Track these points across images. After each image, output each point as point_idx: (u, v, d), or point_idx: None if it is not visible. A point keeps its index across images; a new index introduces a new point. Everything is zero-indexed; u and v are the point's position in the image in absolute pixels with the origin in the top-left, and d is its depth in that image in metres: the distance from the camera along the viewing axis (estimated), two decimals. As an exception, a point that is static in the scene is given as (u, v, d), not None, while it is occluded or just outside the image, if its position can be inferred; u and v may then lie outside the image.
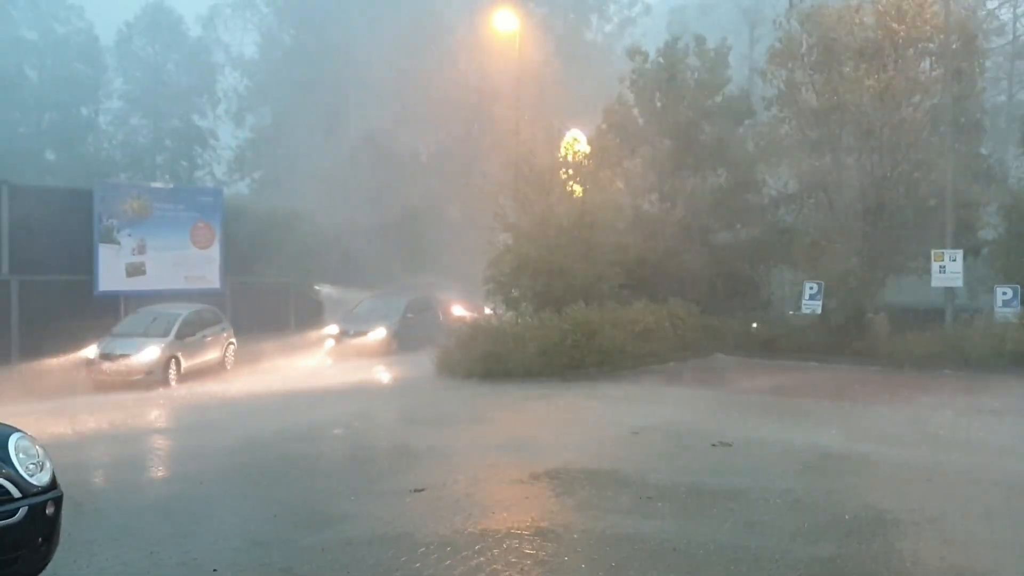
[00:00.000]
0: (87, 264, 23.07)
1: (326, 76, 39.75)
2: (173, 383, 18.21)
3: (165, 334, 18.80)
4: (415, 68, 34.28)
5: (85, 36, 47.38)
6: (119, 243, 23.67)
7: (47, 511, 5.60)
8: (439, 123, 34.70)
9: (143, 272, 23.97)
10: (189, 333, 19.32)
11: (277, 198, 36.72)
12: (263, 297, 26.96)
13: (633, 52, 24.99)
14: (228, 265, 25.67)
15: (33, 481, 5.59)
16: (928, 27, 20.78)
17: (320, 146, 38.69)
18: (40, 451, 5.87)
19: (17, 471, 5.54)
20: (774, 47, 22.81)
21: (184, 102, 47.44)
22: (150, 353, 18.24)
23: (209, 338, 20.11)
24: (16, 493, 5.44)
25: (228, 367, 20.41)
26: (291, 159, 41.38)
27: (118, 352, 18.26)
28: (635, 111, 24.38)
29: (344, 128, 37.55)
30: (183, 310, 19.87)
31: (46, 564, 5.79)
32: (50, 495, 5.67)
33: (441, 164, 33.93)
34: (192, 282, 24.76)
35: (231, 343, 21.03)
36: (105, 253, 23.40)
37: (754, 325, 22.41)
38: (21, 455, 5.67)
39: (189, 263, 24.85)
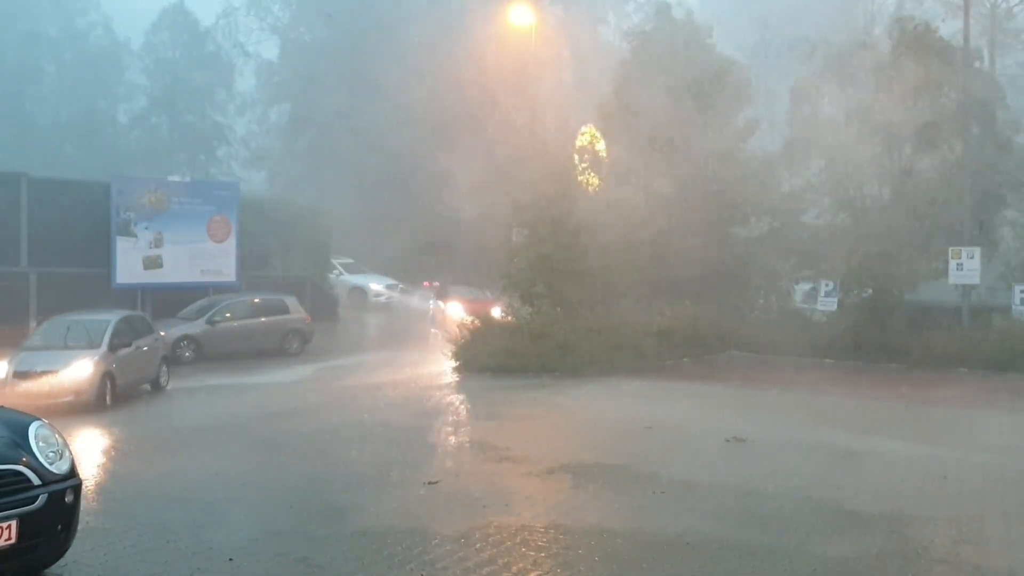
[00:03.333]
0: (104, 257, 23.22)
1: (341, 73, 39.83)
2: (107, 404, 14.46)
3: (94, 345, 14.95)
4: (429, 65, 34.28)
5: (104, 31, 47.81)
6: (136, 236, 23.80)
7: (66, 499, 5.66)
8: (453, 118, 34.71)
9: (160, 265, 24.09)
10: (123, 344, 15.52)
11: (294, 193, 36.84)
12: (279, 291, 27.01)
13: (631, 35, 25.06)
14: (244, 259, 25.78)
15: (53, 469, 5.65)
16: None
17: (336, 142, 38.81)
18: (60, 439, 5.94)
19: (37, 459, 5.61)
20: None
21: (202, 98, 47.69)
22: (81, 368, 14.30)
23: (144, 350, 16.40)
24: (36, 480, 5.50)
25: (164, 384, 16.74)
26: (308, 154, 41.53)
27: (39, 368, 14.26)
28: (639, 92, 24.20)
29: (359, 123, 37.62)
30: (111, 316, 16.27)
31: (65, 551, 5.87)
32: (69, 483, 5.74)
33: (457, 158, 33.96)
34: (208, 275, 24.87)
35: (165, 356, 17.47)
36: (122, 246, 23.54)
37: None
38: (41, 443, 5.74)
39: (205, 256, 24.95)
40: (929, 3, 24.84)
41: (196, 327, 21.45)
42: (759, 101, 24.74)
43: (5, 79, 41.49)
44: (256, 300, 23.39)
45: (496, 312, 21.75)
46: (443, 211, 30.78)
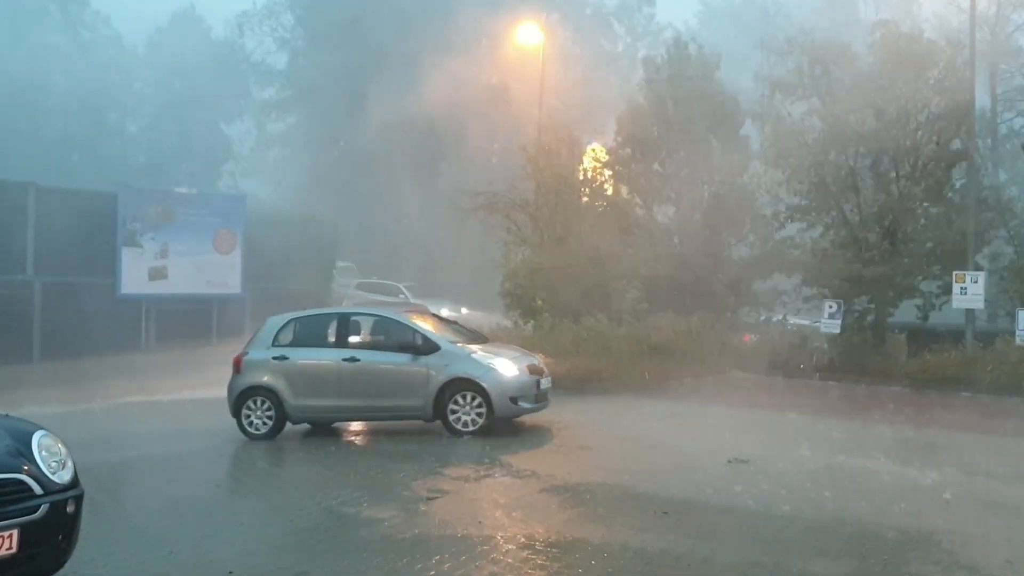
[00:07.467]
0: (110, 267, 23.31)
1: (348, 86, 40.08)
2: None
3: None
4: (436, 79, 34.53)
5: (112, 42, 48.23)
6: (142, 247, 23.91)
7: (68, 509, 5.66)
8: (459, 133, 34.91)
9: (165, 276, 24.18)
10: None
11: (300, 206, 37.00)
12: (283, 304, 26.94)
13: (647, 63, 25.24)
14: (250, 271, 25.80)
15: (55, 479, 5.65)
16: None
17: (342, 155, 39.05)
18: (63, 449, 5.94)
19: (40, 468, 5.61)
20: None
21: (210, 109, 47.98)
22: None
23: None
24: (38, 490, 5.50)
25: None
26: (315, 167, 41.77)
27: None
28: (650, 122, 24.24)
29: (365, 138, 37.82)
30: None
31: (65, 561, 5.85)
32: (71, 493, 5.73)
33: (460, 174, 34.20)
34: (214, 287, 24.94)
35: None
36: (128, 256, 23.64)
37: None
38: (44, 452, 5.74)
39: (211, 268, 25.02)
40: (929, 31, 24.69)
41: None
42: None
43: (15, 90, 41.80)
44: None
45: None
46: (444, 230, 30.87)
